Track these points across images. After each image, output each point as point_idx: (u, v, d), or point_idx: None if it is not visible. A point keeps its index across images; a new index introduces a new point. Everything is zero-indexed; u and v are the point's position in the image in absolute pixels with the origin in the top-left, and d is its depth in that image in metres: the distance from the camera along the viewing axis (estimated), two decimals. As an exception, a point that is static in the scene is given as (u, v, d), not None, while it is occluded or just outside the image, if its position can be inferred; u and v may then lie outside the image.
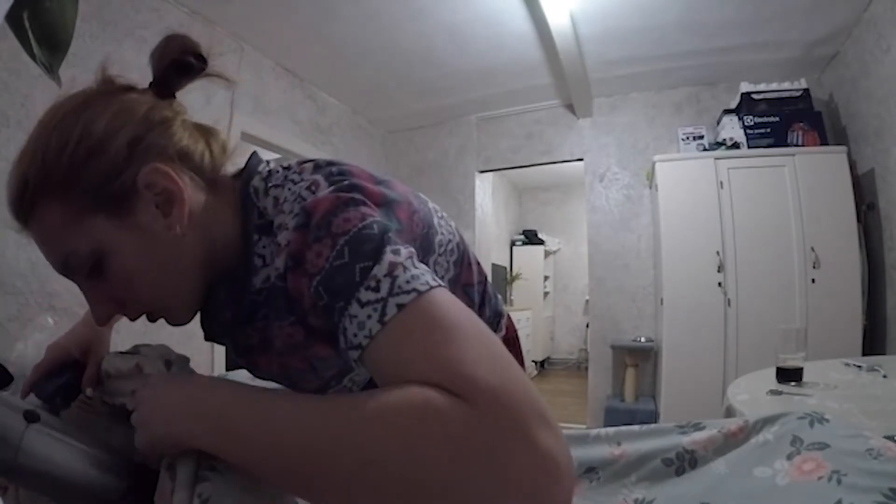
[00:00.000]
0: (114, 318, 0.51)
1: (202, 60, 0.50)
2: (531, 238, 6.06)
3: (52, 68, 0.65)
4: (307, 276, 0.40)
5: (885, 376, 1.32)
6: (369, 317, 0.36)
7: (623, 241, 3.38)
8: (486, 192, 4.06)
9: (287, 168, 0.52)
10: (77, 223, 0.44)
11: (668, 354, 2.77)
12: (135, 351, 0.55)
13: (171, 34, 0.49)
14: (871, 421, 0.94)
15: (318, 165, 0.49)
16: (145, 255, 0.46)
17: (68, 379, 0.57)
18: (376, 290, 0.37)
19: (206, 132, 0.53)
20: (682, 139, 2.98)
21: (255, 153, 0.57)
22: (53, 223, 0.44)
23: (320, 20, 2.43)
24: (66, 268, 0.46)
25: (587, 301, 4.58)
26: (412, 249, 0.41)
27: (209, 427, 0.38)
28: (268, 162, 0.55)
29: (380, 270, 0.38)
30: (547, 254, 6.21)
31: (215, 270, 0.51)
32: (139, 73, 0.52)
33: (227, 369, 2.20)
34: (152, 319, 0.51)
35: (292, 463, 0.34)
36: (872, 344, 2.47)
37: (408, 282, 0.37)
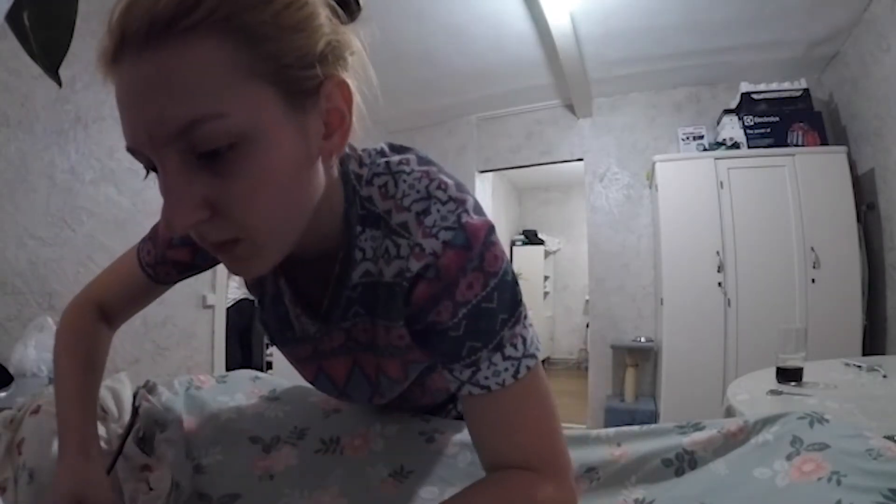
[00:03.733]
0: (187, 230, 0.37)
1: (358, 5, 0.44)
2: (531, 238, 6.06)
3: (52, 68, 0.65)
4: (451, 299, 0.42)
5: (885, 376, 1.32)
6: (506, 370, 0.43)
7: (623, 241, 3.38)
8: (486, 192, 4.06)
9: (378, 153, 0.49)
10: (242, 84, 0.34)
11: (668, 354, 2.77)
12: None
13: None
14: (871, 421, 0.94)
15: (420, 158, 0.49)
16: (291, 164, 0.37)
17: None
18: (516, 347, 0.43)
19: None
20: (682, 139, 2.98)
21: None
22: (209, 67, 0.33)
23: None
24: (183, 133, 0.33)
25: (587, 301, 4.58)
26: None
27: None
28: None
29: (517, 328, 0.43)
30: (547, 254, 6.21)
31: (305, 242, 0.43)
32: None
33: (227, 369, 2.19)
34: (220, 251, 0.39)
35: None
36: (872, 344, 2.47)
37: (532, 343, 0.44)
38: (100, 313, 0.63)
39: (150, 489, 0.54)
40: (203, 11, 0.32)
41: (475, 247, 0.42)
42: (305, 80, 0.37)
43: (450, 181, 0.45)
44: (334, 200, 0.45)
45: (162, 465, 0.58)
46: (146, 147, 0.34)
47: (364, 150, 0.50)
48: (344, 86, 0.40)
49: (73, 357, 0.59)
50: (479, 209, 0.45)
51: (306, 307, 0.53)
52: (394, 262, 0.45)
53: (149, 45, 0.32)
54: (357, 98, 0.42)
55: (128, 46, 0.32)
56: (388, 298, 0.47)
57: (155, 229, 0.60)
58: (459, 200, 0.44)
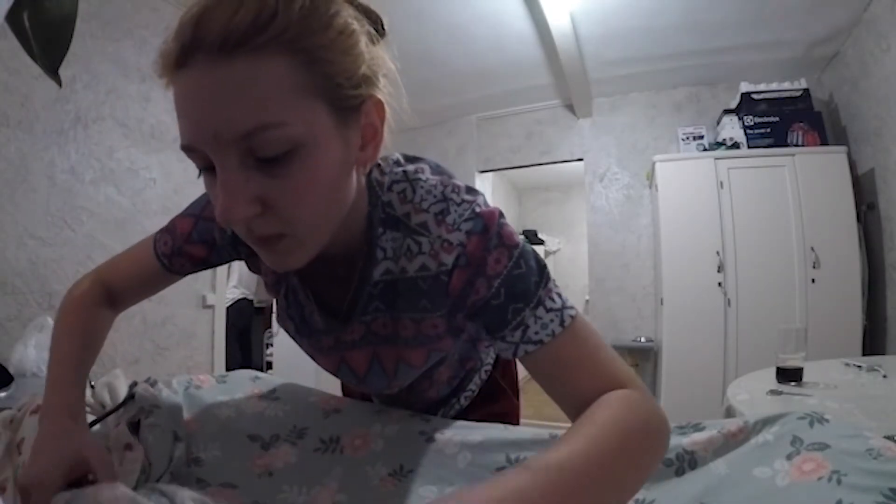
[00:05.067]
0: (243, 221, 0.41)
1: (384, 31, 0.48)
2: (531, 238, 6.05)
3: (52, 68, 0.65)
4: (484, 276, 0.48)
5: (885, 376, 1.32)
6: (552, 321, 0.46)
7: (623, 241, 3.38)
8: (486, 192, 4.06)
9: (395, 162, 0.55)
10: (302, 98, 0.38)
11: (668, 354, 2.77)
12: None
13: None
14: (871, 421, 0.94)
15: (430, 165, 0.55)
16: (336, 170, 0.43)
17: None
18: (554, 301, 0.47)
19: None
20: (682, 139, 2.98)
21: None
22: (276, 81, 0.37)
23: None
24: (248, 136, 0.37)
25: (587, 301, 4.58)
26: None
27: None
28: None
29: (550, 285, 0.48)
30: (547, 254, 6.21)
31: (332, 241, 0.48)
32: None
33: (227, 369, 2.19)
34: (265, 245, 0.43)
35: None
36: (872, 344, 2.47)
37: (567, 299, 0.49)
38: (105, 294, 0.64)
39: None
40: (274, 31, 0.36)
41: (492, 228, 0.48)
42: (351, 98, 0.42)
43: (461, 185, 0.52)
44: (360, 204, 0.51)
45: (139, 446, 0.59)
46: (210, 146, 0.38)
47: (383, 160, 0.54)
48: (380, 105, 0.45)
49: (73, 329, 0.61)
50: (486, 203, 0.51)
51: (322, 304, 0.58)
52: (416, 258, 0.51)
53: (222, 55, 0.35)
54: (388, 115, 0.47)
55: (200, 53, 0.36)
56: (413, 292, 0.52)
57: (173, 223, 0.62)
58: (471, 199, 0.50)
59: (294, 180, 0.39)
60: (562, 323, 0.47)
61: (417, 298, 0.52)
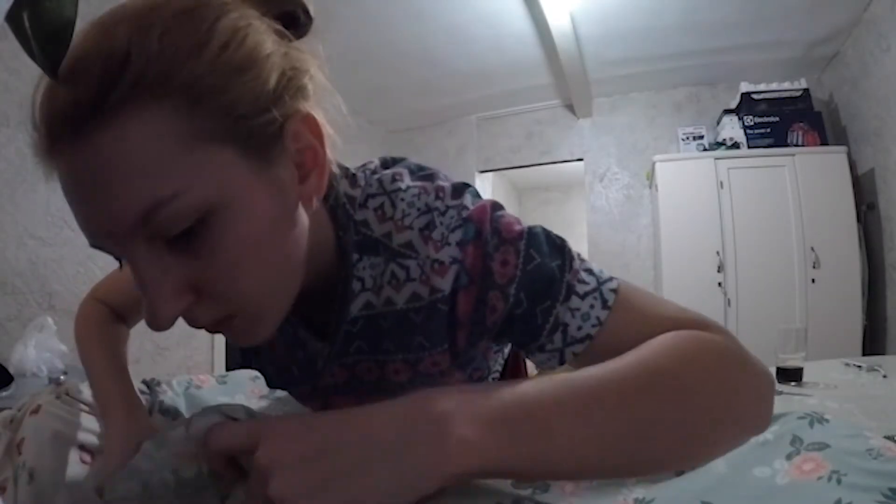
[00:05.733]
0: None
1: (309, 17, 0.39)
2: (531, 238, 6.06)
3: (52, 68, 0.65)
4: (494, 287, 0.39)
5: (885, 376, 1.32)
6: (592, 306, 0.38)
7: (623, 241, 3.38)
8: (486, 192, 4.06)
9: (371, 171, 0.46)
10: (191, 151, 0.29)
11: (668, 354, 2.77)
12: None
13: None
14: (871, 421, 0.94)
15: (409, 169, 0.46)
16: (268, 225, 0.33)
17: None
18: (586, 282, 0.39)
19: None
20: (682, 139, 2.98)
21: None
22: (152, 142, 0.28)
23: (320, 20, 2.43)
24: (144, 223, 0.29)
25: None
26: None
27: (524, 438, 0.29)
28: None
29: (576, 264, 0.40)
30: (547, 254, 6.20)
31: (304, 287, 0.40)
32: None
33: (227, 369, 2.20)
34: (217, 329, 0.36)
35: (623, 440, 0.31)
36: (872, 344, 2.47)
37: (601, 271, 0.41)
38: (112, 312, 0.63)
39: None
40: (129, 80, 0.28)
41: (485, 228, 0.40)
42: (265, 127, 0.32)
43: (446, 184, 0.44)
44: (324, 234, 0.42)
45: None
46: (108, 242, 0.31)
47: (358, 169, 0.46)
48: (310, 119, 0.35)
49: (99, 342, 0.58)
50: (477, 196, 0.44)
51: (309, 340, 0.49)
52: (405, 286, 0.42)
53: (81, 132, 0.28)
54: (327, 128, 0.37)
55: (59, 137, 0.29)
56: (403, 329, 0.43)
57: None
58: (457, 203, 0.42)
59: (219, 254, 0.31)
60: (605, 304, 0.38)
61: (410, 336, 0.43)
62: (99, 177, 0.29)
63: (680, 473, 0.52)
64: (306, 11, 0.38)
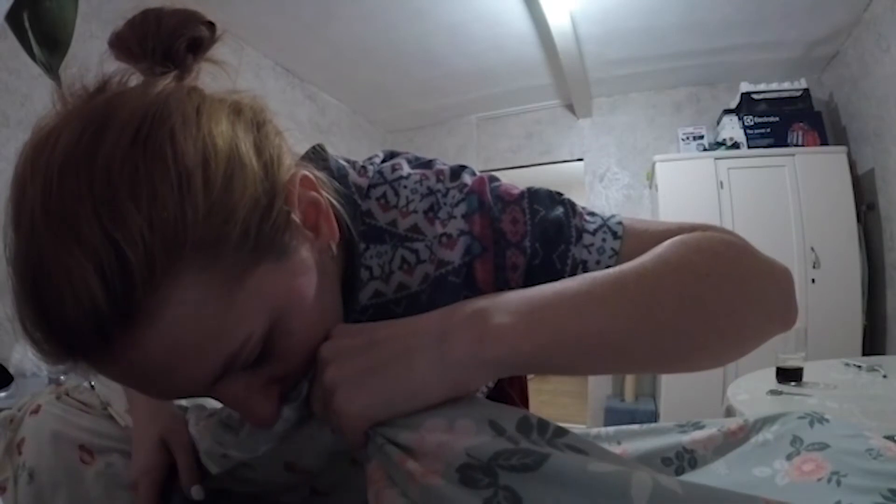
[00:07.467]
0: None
1: (212, 28, 0.38)
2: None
3: (52, 68, 0.65)
4: (509, 246, 0.42)
5: (885, 376, 1.32)
6: (604, 239, 0.42)
7: (623, 241, 3.38)
8: (486, 192, 4.06)
9: (373, 164, 0.47)
10: (234, 296, 0.29)
11: (668, 354, 2.76)
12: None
13: (161, 8, 0.37)
14: (871, 421, 0.94)
15: (407, 159, 0.48)
16: (317, 299, 0.35)
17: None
18: (592, 220, 0.43)
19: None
20: (682, 139, 2.98)
21: (320, 144, 0.47)
22: (199, 315, 0.27)
23: (320, 20, 2.43)
24: (221, 376, 0.30)
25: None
26: None
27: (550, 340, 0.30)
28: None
29: (578, 209, 0.44)
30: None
31: None
32: (138, 75, 0.50)
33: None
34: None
35: (633, 334, 0.32)
36: (872, 344, 2.47)
37: (601, 212, 0.45)
38: None
39: None
40: (142, 279, 0.25)
41: (486, 197, 0.43)
42: (276, 221, 0.31)
43: (444, 168, 0.46)
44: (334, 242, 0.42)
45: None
46: (188, 395, 0.33)
47: (366, 161, 0.48)
48: (298, 178, 0.35)
49: None
50: (474, 174, 0.46)
51: None
52: (416, 268, 0.42)
53: (114, 339, 0.26)
54: (309, 177, 0.37)
55: (87, 355, 0.27)
56: (416, 310, 0.42)
57: None
58: (457, 183, 0.44)
59: (289, 350, 0.33)
60: (615, 236, 0.42)
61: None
62: (162, 361, 0.28)
63: (680, 473, 0.52)
64: (207, 23, 0.37)
